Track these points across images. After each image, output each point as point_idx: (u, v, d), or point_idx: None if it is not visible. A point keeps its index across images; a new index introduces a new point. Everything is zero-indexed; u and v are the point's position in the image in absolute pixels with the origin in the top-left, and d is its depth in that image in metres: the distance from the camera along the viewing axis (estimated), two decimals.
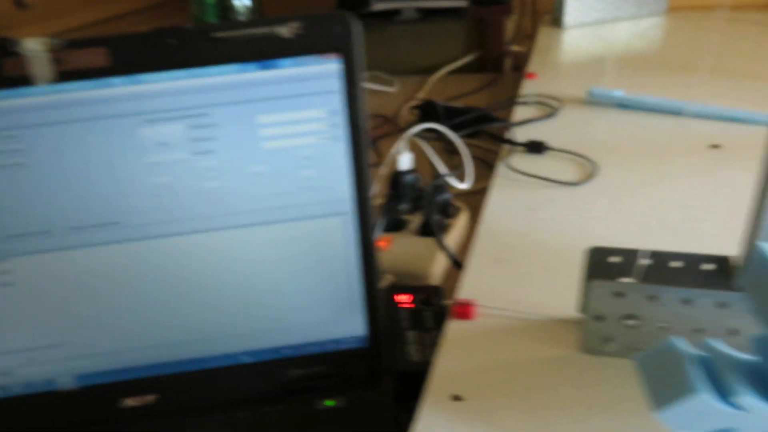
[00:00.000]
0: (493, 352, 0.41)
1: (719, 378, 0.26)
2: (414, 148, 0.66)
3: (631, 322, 0.39)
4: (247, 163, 0.37)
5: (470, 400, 0.38)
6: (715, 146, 0.71)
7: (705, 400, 0.25)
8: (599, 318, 0.39)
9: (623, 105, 0.86)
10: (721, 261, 0.39)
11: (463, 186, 0.63)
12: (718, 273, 0.38)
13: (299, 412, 0.42)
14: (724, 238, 0.42)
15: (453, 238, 0.61)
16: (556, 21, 1.39)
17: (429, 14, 1.20)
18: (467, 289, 0.48)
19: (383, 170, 0.68)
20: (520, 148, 0.73)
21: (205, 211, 0.38)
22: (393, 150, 0.65)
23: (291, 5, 1.45)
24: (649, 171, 0.68)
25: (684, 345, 0.28)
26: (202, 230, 0.38)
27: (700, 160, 0.69)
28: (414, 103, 0.99)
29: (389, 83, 1.20)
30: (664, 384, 0.27)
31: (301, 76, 0.35)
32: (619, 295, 0.38)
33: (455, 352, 0.42)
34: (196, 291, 0.40)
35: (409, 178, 0.64)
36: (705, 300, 0.36)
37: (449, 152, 0.83)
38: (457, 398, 0.38)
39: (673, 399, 0.26)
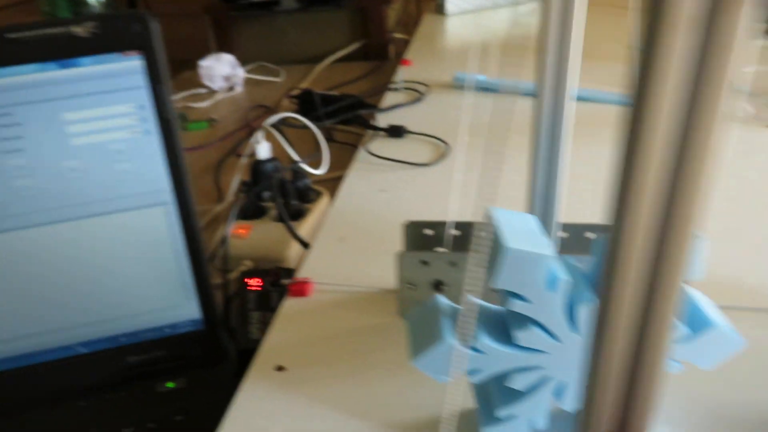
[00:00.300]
0: (322, 324, 0.44)
1: (465, 326, 0.30)
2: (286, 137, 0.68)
3: (438, 289, 0.43)
4: (59, 159, 0.38)
5: (293, 370, 0.40)
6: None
7: (449, 345, 0.29)
8: (411, 285, 0.43)
9: (487, 88, 0.91)
10: None
11: (318, 172, 0.66)
12: None
13: (141, 396, 0.44)
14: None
15: (311, 221, 0.64)
16: (440, 8, 1.44)
17: (309, 4, 1.21)
18: (309, 268, 0.51)
19: (243, 160, 0.70)
20: (382, 133, 0.76)
21: (21, 209, 0.39)
22: (252, 140, 0.67)
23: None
24: (499, 150, 0.73)
25: (444, 301, 0.32)
26: (23, 227, 0.39)
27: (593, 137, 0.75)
28: (294, 92, 1.01)
29: (275, 73, 1.21)
30: (421, 336, 0.30)
31: (103, 73, 0.37)
32: (425, 263, 0.42)
33: (287, 327, 0.45)
34: (28, 286, 0.41)
35: (268, 166, 0.66)
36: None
37: (327, 140, 0.86)
38: (280, 368, 0.41)
39: (424, 348, 0.30)
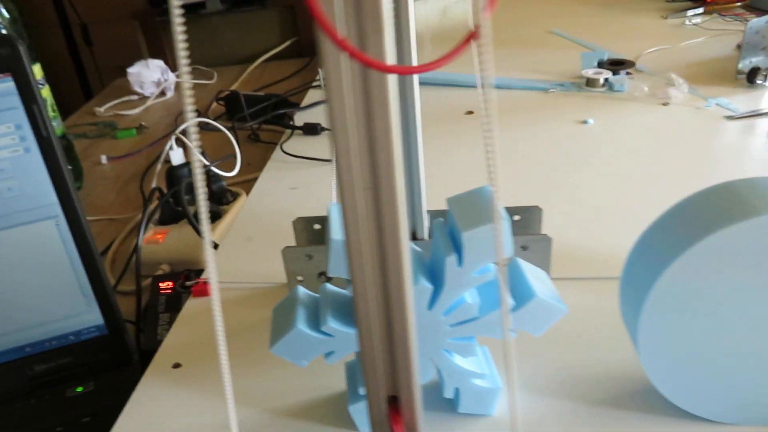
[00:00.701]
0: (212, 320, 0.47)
1: (320, 313, 0.33)
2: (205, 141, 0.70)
3: (324, 278, 0.45)
4: None
5: (190, 367, 0.43)
6: (470, 112, 0.81)
7: (301, 331, 0.32)
8: (299, 278, 0.45)
9: None
10: None
11: (231, 174, 0.68)
12: None
13: (50, 402, 0.46)
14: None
15: (227, 222, 0.66)
16: None
17: (234, 5, 1.22)
18: (218, 266, 0.53)
19: (158, 167, 0.72)
20: (299, 132, 0.78)
21: None
22: (166, 146, 0.69)
23: (101, 4, 1.42)
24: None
25: (303, 291, 0.34)
26: None
27: (457, 125, 0.78)
28: (222, 94, 1.02)
29: (208, 76, 1.22)
30: (279, 325, 0.33)
31: None
32: (309, 257, 0.44)
33: (188, 326, 0.47)
34: None
35: (183, 171, 0.67)
36: None
37: (253, 140, 0.88)
38: (177, 366, 0.43)
39: (280, 336, 0.32)
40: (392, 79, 0.17)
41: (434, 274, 0.31)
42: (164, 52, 1.29)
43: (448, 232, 0.31)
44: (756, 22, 0.77)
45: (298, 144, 0.76)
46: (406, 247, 0.20)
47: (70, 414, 0.45)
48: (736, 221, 0.28)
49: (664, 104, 0.76)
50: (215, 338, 0.45)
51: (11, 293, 0.44)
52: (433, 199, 0.43)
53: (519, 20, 1.23)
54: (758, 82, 0.78)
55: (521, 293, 0.32)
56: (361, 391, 0.34)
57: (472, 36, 0.17)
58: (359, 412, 0.34)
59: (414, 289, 0.30)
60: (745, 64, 0.79)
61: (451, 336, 0.33)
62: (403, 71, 0.16)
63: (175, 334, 0.46)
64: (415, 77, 0.39)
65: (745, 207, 0.29)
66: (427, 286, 0.31)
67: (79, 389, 0.46)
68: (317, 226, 0.47)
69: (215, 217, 0.65)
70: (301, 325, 0.32)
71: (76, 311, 0.46)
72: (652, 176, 0.61)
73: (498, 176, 0.20)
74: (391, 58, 0.17)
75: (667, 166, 0.63)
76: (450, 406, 0.36)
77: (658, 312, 0.31)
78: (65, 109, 1.01)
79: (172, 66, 1.25)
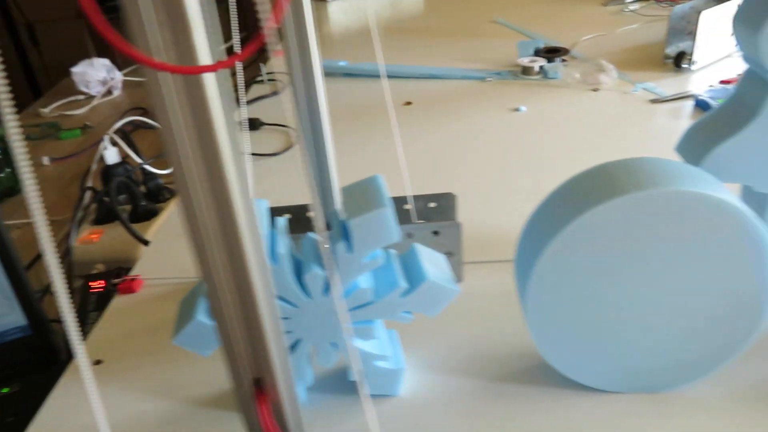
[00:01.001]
0: (145, 317, 0.47)
1: None
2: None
3: None
4: None
5: (109, 362, 0.43)
6: (408, 103, 0.82)
7: (199, 322, 0.33)
8: None
9: (349, 73, 0.95)
10: None
11: (166, 171, 0.68)
12: None
13: None
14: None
15: (162, 220, 0.66)
16: None
17: None
18: (144, 265, 0.54)
19: (94, 166, 0.72)
20: (238, 127, 0.79)
21: None
22: (100, 146, 0.69)
23: (47, 3, 1.40)
24: (350, 131, 0.76)
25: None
26: None
27: (396, 117, 0.79)
28: None
29: None
30: (182, 317, 0.34)
31: None
32: None
33: (113, 323, 0.47)
34: None
35: (118, 170, 0.67)
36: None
37: None
38: (98, 362, 0.43)
39: (181, 327, 0.33)
40: (209, 78, 0.18)
41: (330, 260, 0.32)
42: (111, 50, 1.27)
43: (341, 221, 0.32)
44: (680, 7, 0.79)
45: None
46: (248, 234, 0.21)
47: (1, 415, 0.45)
48: (604, 201, 0.30)
49: (594, 90, 0.78)
50: (140, 333, 0.45)
51: None
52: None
53: (463, 10, 1.25)
54: (684, 66, 0.80)
55: (415, 277, 0.33)
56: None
57: (262, 38, 0.18)
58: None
59: (307, 277, 0.31)
60: (672, 49, 0.82)
61: (352, 318, 0.34)
62: (177, 70, 0.17)
63: (99, 331, 0.47)
64: (318, 72, 0.40)
65: (614, 187, 0.31)
66: (320, 272, 0.32)
67: (5, 390, 0.47)
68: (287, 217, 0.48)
69: (151, 214, 0.65)
70: (201, 317, 0.33)
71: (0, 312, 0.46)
72: (577, 160, 0.63)
73: (404, 164, 0.21)
74: (205, 58, 0.18)
75: (592, 150, 0.65)
76: (352, 388, 0.37)
77: (541, 289, 0.33)
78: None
79: (122, 63, 1.24)
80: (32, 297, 0.47)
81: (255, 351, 0.22)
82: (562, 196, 0.33)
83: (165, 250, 0.56)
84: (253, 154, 0.71)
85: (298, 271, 0.33)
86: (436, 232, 0.44)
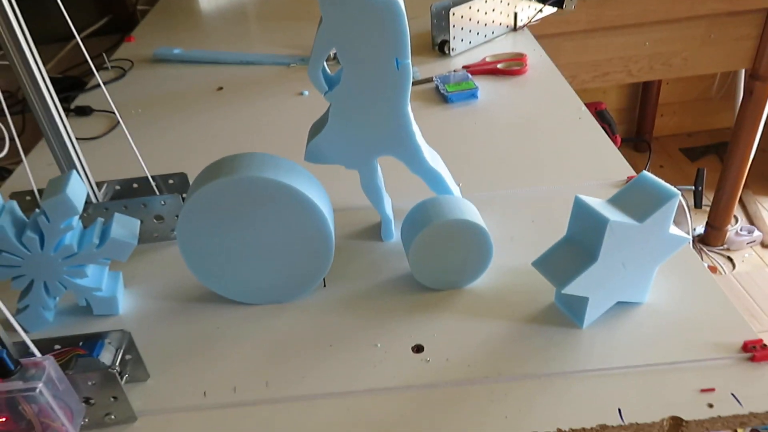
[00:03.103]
0: None
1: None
2: None
3: None
4: None
5: None
6: (220, 88, 0.98)
7: None
8: None
9: (183, 60, 1.10)
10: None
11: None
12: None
13: None
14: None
15: None
16: None
17: None
18: None
19: None
20: (72, 113, 0.94)
21: None
22: None
23: None
24: (165, 117, 0.92)
25: None
26: None
27: (206, 102, 0.95)
28: None
29: None
30: None
31: None
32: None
33: None
34: None
35: None
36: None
37: None
38: None
39: None
40: None
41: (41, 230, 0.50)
42: None
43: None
44: (438, 4, 0.97)
45: (73, 125, 0.91)
46: None
47: None
48: (207, 183, 0.48)
49: None
50: None
51: None
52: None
53: None
54: (446, 52, 0.98)
55: (106, 236, 0.51)
56: (20, 305, 0.53)
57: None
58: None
59: (24, 238, 0.49)
60: (438, 37, 1.00)
61: (65, 266, 0.52)
62: None
63: None
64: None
65: (218, 172, 0.49)
66: (32, 236, 0.49)
67: None
68: (28, 197, 0.64)
69: None
70: None
71: None
72: None
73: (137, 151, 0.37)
74: None
75: None
76: (89, 310, 0.55)
77: (186, 231, 0.51)
78: None
79: None
80: None
81: None
82: (199, 176, 0.51)
83: None
84: (80, 139, 0.87)
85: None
86: (163, 202, 0.62)
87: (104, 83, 1.04)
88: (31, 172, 0.58)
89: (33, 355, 0.42)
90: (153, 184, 0.64)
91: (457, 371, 0.47)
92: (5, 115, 0.58)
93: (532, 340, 0.49)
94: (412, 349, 0.49)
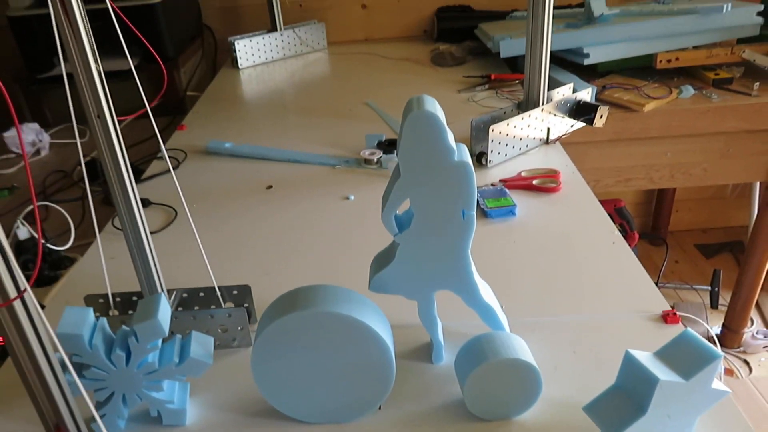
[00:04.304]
0: None
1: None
2: None
3: None
4: None
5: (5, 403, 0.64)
6: (269, 186, 1.04)
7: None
8: None
9: (233, 154, 1.17)
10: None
11: (63, 248, 0.89)
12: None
13: None
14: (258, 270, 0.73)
15: (60, 285, 0.86)
16: (234, 62, 1.67)
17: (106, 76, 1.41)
18: None
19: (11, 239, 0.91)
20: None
21: None
22: (14, 226, 0.89)
23: None
24: (218, 212, 0.98)
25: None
26: None
27: (257, 199, 1.01)
28: (87, 159, 1.21)
29: (82, 134, 1.41)
30: None
31: None
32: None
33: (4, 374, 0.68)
34: None
35: (28, 244, 0.88)
36: None
37: (107, 204, 1.08)
38: None
39: None
40: None
41: (129, 347, 0.54)
42: (44, 112, 1.46)
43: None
44: (478, 119, 1.04)
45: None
46: (34, 335, 0.42)
47: None
48: (282, 315, 0.53)
49: None
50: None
51: None
52: (240, 274, 0.65)
53: (339, 90, 1.48)
54: (483, 162, 1.05)
55: (184, 354, 0.55)
56: (100, 412, 0.56)
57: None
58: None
59: (113, 356, 0.53)
60: (477, 149, 1.06)
61: (145, 380, 0.56)
62: None
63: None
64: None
65: (293, 305, 0.53)
66: (121, 354, 0.53)
67: None
68: (101, 300, 0.69)
69: (51, 280, 0.86)
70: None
71: None
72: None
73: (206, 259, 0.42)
74: None
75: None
76: (158, 420, 0.59)
77: (260, 357, 0.55)
78: None
79: (53, 123, 1.43)
80: None
81: (52, 405, 0.44)
82: (273, 306, 0.55)
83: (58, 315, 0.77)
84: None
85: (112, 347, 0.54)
86: (230, 315, 0.66)
87: (160, 174, 1.11)
88: (92, 262, 0.63)
89: None
90: (218, 294, 0.68)
91: None
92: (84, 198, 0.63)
93: None
94: None
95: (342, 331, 0.53)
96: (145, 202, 1.00)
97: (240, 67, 1.66)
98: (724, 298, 1.75)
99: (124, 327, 0.57)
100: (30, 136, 1.35)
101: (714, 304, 1.63)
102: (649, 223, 2.21)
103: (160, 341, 0.55)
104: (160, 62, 0.70)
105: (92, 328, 0.54)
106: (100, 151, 0.59)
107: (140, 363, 0.55)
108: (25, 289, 0.41)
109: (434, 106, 0.52)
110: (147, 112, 0.63)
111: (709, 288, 1.64)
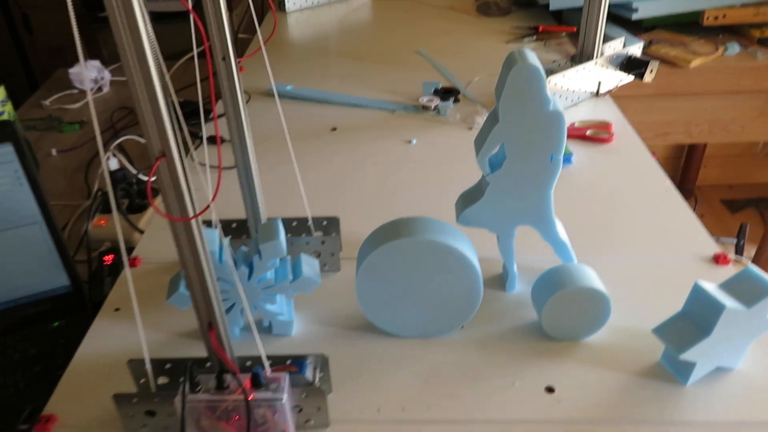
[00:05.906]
0: (146, 284, 0.76)
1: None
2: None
3: None
4: None
5: (124, 310, 0.72)
6: (334, 129, 1.10)
7: (181, 293, 0.61)
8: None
9: (293, 96, 1.22)
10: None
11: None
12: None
13: (38, 331, 0.75)
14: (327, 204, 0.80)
15: (150, 213, 0.94)
16: (281, 6, 1.70)
17: (158, 18, 1.45)
18: (142, 247, 0.82)
19: (100, 171, 0.98)
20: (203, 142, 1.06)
21: None
22: (104, 158, 0.96)
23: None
24: (288, 152, 1.04)
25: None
26: None
27: (322, 140, 1.07)
28: None
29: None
30: (171, 288, 0.62)
31: None
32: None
33: (120, 286, 0.76)
34: None
35: (118, 174, 0.95)
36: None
37: None
38: (117, 309, 0.72)
39: (171, 293, 0.62)
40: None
41: (251, 263, 0.62)
42: (101, 51, 1.50)
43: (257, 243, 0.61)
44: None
45: (199, 153, 1.03)
46: (203, 253, 0.49)
47: (52, 338, 0.74)
48: (386, 242, 0.60)
49: (469, 128, 1.08)
50: (142, 294, 0.74)
51: (15, 269, 0.72)
52: (299, 207, 0.73)
53: (386, 37, 1.51)
54: None
55: (297, 272, 0.63)
56: None
57: None
58: None
59: (239, 271, 0.61)
60: None
61: (263, 294, 0.63)
62: None
63: (115, 290, 0.75)
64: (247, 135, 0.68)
65: (395, 233, 0.60)
66: (245, 270, 0.61)
67: (56, 324, 0.75)
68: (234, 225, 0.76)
69: (142, 208, 0.93)
70: (182, 289, 0.62)
71: (51, 277, 0.74)
72: (441, 188, 0.93)
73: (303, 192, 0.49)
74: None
75: (453, 179, 0.95)
76: (268, 330, 0.67)
77: (364, 281, 0.62)
78: (12, 92, 1.21)
79: (111, 61, 1.48)
80: (73, 266, 0.75)
81: (208, 307, 0.51)
82: (375, 234, 0.63)
83: (154, 237, 0.84)
84: (213, 167, 0.99)
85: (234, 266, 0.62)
86: (323, 242, 0.74)
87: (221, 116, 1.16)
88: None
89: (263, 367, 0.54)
90: (310, 223, 0.75)
91: (584, 412, 0.58)
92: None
93: (643, 392, 0.60)
94: (545, 389, 0.60)
95: (441, 259, 0.61)
96: (222, 139, 1.06)
97: (287, 10, 1.68)
98: (749, 252, 1.82)
99: (243, 247, 0.64)
100: (92, 73, 1.40)
101: (739, 255, 1.70)
102: (677, 178, 2.25)
103: (278, 260, 0.62)
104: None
105: (220, 247, 0.62)
106: (221, 89, 0.65)
107: (260, 279, 0.62)
108: (207, 206, 0.48)
109: (535, 60, 0.57)
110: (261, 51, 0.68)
111: (735, 240, 1.71)
